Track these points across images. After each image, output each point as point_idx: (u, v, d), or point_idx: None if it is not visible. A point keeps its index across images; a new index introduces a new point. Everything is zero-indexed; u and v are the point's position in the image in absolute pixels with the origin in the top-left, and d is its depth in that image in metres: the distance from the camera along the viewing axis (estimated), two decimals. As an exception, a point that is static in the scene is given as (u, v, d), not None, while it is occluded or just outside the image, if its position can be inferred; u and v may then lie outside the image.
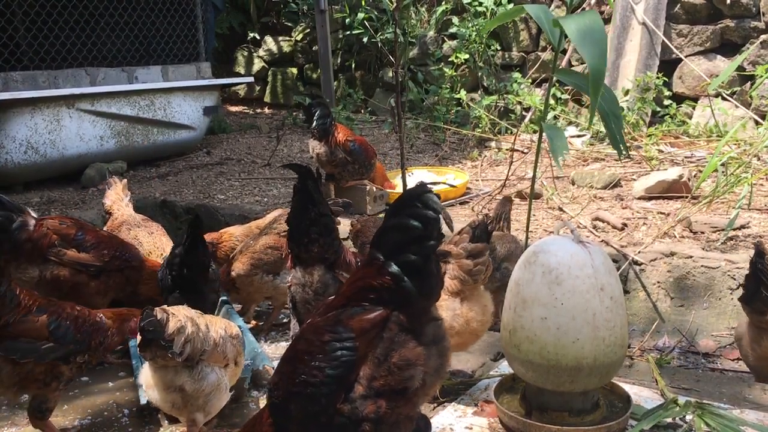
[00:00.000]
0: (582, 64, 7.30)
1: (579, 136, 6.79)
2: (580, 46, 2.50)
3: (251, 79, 9.30)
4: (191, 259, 3.01)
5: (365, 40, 9.07)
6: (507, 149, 6.65)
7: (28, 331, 2.49)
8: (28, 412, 2.67)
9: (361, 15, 8.98)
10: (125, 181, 4.32)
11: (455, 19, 8.58)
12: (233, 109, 10.61)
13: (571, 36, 2.52)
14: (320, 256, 2.93)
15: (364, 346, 1.91)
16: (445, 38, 8.75)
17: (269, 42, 10.47)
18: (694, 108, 6.90)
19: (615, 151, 5.96)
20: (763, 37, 6.64)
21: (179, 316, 2.41)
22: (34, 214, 3.33)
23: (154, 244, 3.79)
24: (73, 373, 2.67)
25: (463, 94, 7.82)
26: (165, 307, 2.43)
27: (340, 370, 1.90)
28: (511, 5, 7.99)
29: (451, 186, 5.36)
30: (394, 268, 1.93)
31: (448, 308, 2.60)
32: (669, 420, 2.42)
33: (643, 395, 2.64)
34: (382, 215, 4.95)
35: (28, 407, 2.66)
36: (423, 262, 1.95)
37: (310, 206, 2.89)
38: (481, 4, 8.17)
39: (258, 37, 10.59)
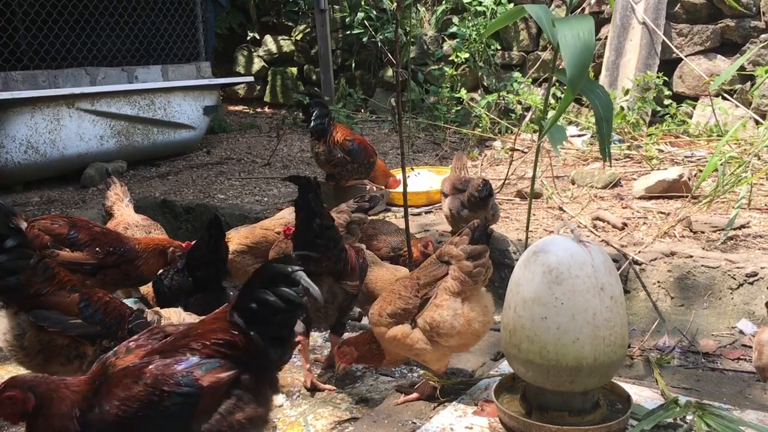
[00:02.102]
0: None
1: (579, 135, 6.78)
2: (565, 52, 2.48)
3: (251, 78, 9.30)
4: (216, 258, 3.03)
5: (365, 39, 9.06)
6: (507, 149, 6.65)
7: (58, 305, 2.66)
8: None
9: (361, 15, 8.98)
10: (125, 187, 4.31)
11: (455, 19, 8.58)
12: (233, 108, 10.61)
13: (561, 40, 2.50)
14: (330, 269, 2.97)
15: (208, 402, 1.91)
16: (445, 38, 8.75)
17: (269, 42, 10.47)
18: (694, 107, 6.89)
19: (616, 152, 5.98)
20: (763, 36, 6.64)
21: (172, 319, 2.41)
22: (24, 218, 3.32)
23: None
24: (97, 357, 2.70)
25: (463, 93, 7.82)
26: (157, 309, 2.44)
27: (173, 421, 1.89)
28: (511, 5, 7.99)
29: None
30: (259, 339, 1.95)
31: (449, 308, 2.60)
32: (669, 420, 2.42)
33: (643, 395, 2.64)
34: (380, 216, 4.95)
35: None
36: (285, 335, 2.00)
37: (315, 220, 2.90)
38: (480, 3, 8.17)
39: (258, 37, 10.59)
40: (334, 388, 3.18)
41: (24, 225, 3.23)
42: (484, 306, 2.67)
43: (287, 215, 4.16)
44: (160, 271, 3.54)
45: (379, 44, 8.83)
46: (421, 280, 2.69)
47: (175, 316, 2.45)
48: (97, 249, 3.38)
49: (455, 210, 4.19)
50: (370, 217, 4.14)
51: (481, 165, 6.36)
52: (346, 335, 3.30)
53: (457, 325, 2.60)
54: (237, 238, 3.99)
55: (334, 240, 2.97)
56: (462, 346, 2.71)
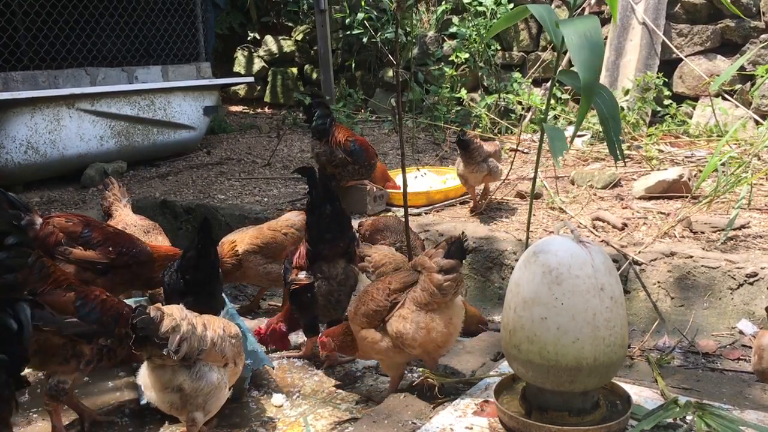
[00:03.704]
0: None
1: (579, 136, 6.78)
2: (575, 54, 2.47)
3: (251, 79, 9.30)
4: (205, 262, 3.02)
5: (365, 40, 9.06)
6: (507, 149, 6.65)
7: (54, 304, 2.64)
8: (45, 390, 2.73)
9: (361, 15, 8.98)
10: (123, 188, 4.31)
11: (455, 19, 8.58)
12: (233, 109, 10.61)
13: (568, 42, 2.50)
14: (343, 251, 3.16)
15: None
16: (445, 38, 8.75)
17: (269, 42, 10.47)
18: (694, 108, 6.89)
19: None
20: (763, 36, 6.64)
21: (174, 315, 2.40)
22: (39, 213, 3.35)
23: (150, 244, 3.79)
24: (94, 356, 2.73)
25: (463, 93, 7.81)
26: (159, 305, 2.43)
27: None
28: (512, 5, 7.99)
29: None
30: None
31: (413, 321, 2.68)
32: (669, 420, 2.41)
33: (643, 395, 2.64)
34: (382, 214, 4.95)
35: (46, 385, 2.72)
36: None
37: (328, 204, 3.08)
38: (481, 3, 8.16)
39: (258, 37, 10.59)
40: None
41: (39, 221, 3.24)
42: (448, 318, 2.71)
43: (293, 217, 4.17)
44: None
45: (380, 44, 8.83)
46: (392, 285, 2.77)
47: (178, 313, 2.44)
48: (110, 248, 3.39)
49: (456, 166, 4.81)
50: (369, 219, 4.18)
51: (481, 165, 6.35)
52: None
53: (419, 338, 2.68)
54: (247, 239, 4.01)
55: (348, 222, 3.17)
56: (425, 353, 2.76)
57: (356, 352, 2.98)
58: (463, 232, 2.78)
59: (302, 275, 3.20)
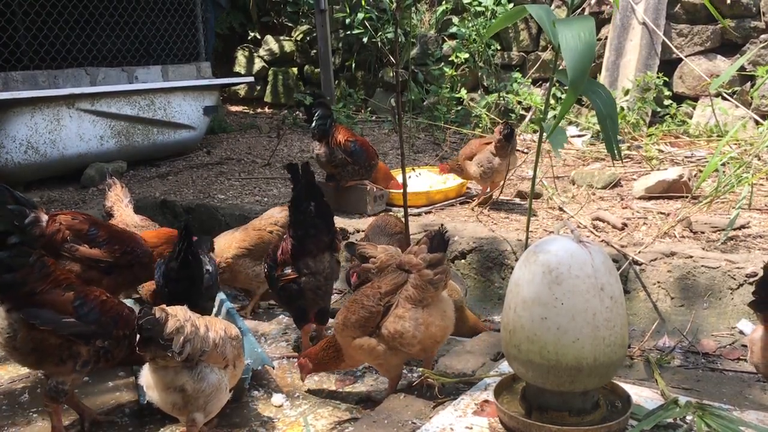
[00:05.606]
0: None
1: (579, 136, 6.78)
2: (566, 54, 2.48)
3: (251, 78, 9.29)
4: (184, 273, 2.99)
5: (365, 40, 9.06)
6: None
7: (52, 303, 2.61)
8: (44, 392, 2.72)
9: (361, 15, 8.98)
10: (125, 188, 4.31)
11: (455, 19, 8.58)
12: (233, 108, 10.61)
13: (561, 41, 2.51)
14: (328, 244, 3.20)
15: None
16: (445, 38, 8.75)
17: (270, 42, 10.47)
18: (694, 108, 6.89)
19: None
20: (763, 36, 6.64)
21: (178, 316, 2.41)
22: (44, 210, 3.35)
23: None
24: (91, 357, 2.70)
25: (463, 93, 7.81)
26: (164, 306, 2.43)
27: None
28: (512, 5, 7.99)
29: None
30: None
31: (411, 318, 2.69)
32: (669, 420, 2.41)
33: (643, 395, 2.64)
34: (381, 213, 4.94)
35: (45, 387, 2.72)
36: None
37: (312, 200, 3.14)
38: (480, 3, 8.17)
39: (258, 37, 10.59)
40: None
41: (45, 217, 3.24)
42: (442, 311, 2.74)
43: (276, 214, 4.19)
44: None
45: (380, 44, 8.83)
46: (382, 288, 2.77)
47: (182, 314, 2.44)
48: (115, 247, 3.40)
49: (485, 161, 4.82)
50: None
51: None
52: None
53: (419, 335, 2.69)
54: (235, 243, 4.00)
55: (331, 216, 3.22)
56: (423, 350, 2.77)
57: (341, 364, 2.97)
58: (442, 225, 2.80)
59: (288, 270, 3.25)
